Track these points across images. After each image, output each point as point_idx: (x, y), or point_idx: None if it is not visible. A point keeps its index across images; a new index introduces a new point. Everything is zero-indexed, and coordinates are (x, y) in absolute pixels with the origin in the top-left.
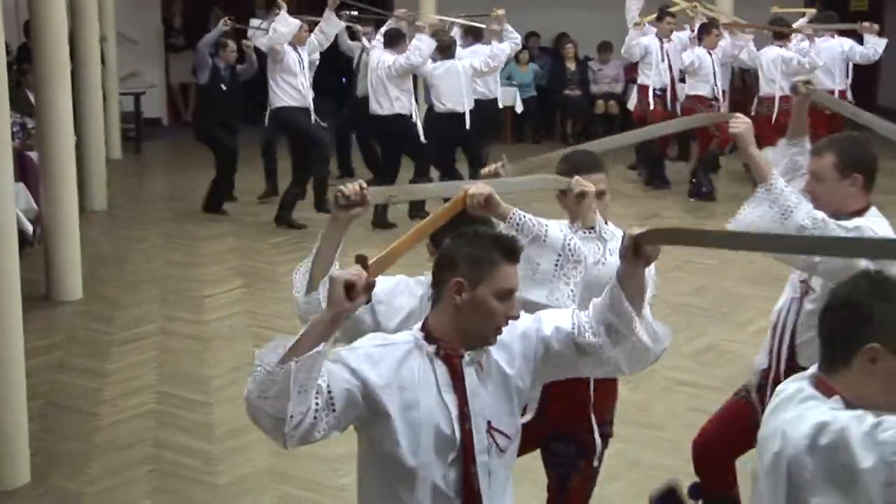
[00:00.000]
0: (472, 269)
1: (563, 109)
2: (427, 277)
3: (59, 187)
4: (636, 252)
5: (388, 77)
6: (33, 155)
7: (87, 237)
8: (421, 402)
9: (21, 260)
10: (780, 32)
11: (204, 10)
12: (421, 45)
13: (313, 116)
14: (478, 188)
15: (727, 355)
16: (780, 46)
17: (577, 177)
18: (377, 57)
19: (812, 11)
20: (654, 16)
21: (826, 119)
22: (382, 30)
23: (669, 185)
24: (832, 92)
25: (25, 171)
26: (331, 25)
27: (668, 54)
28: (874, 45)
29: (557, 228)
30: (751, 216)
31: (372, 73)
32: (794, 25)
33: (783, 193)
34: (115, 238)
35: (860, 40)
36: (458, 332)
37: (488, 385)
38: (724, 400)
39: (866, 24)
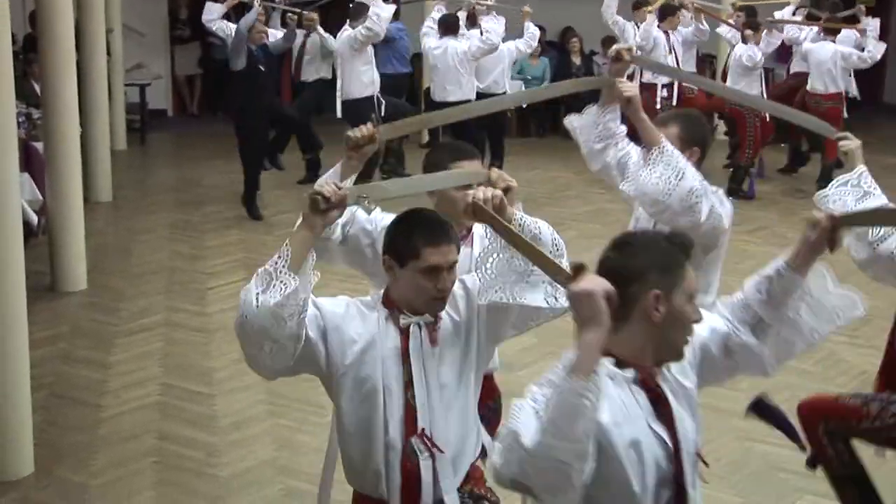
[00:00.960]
0: (665, 277)
1: (568, 103)
2: (374, 297)
3: (65, 178)
4: (833, 236)
5: (461, 63)
6: (38, 145)
7: (92, 228)
8: (639, 437)
9: (26, 251)
10: (830, 28)
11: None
12: (497, 27)
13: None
14: (487, 191)
15: None
16: (832, 42)
17: (496, 170)
18: (441, 44)
19: (796, 0)
20: (658, 3)
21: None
22: (434, 16)
23: None
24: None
25: (31, 162)
26: (383, 9)
27: (674, 48)
28: (876, 49)
29: (545, 225)
30: (650, 177)
31: (438, 61)
32: (777, 15)
33: (674, 155)
34: (119, 229)
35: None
36: (653, 352)
37: (683, 404)
38: (730, 395)
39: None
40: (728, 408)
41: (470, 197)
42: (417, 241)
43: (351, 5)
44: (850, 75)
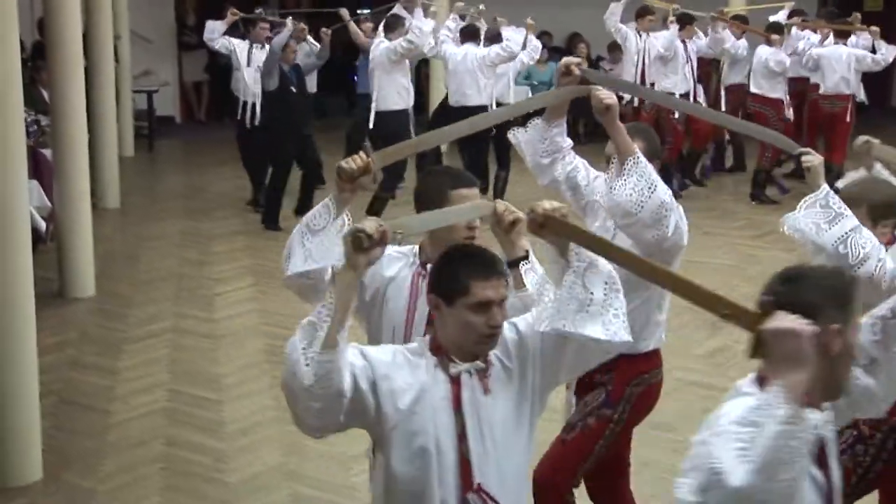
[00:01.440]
0: (842, 312)
1: (575, 109)
2: (420, 344)
3: (73, 184)
4: None
5: (479, 68)
6: (47, 152)
7: (100, 234)
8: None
9: (34, 257)
10: (843, 31)
11: (217, 9)
12: (517, 37)
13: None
14: (551, 203)
15: (739, 356)
16: (844, 44)
17: (503, 202)
18: (461, 50)
19: (791, 4)
20: (671, 11)
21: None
22: (451, 24)
23: (680, 194)
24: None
25: (39, 168)
26: (424, 23)
27: (690, 57)
28: (889, 51)
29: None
30: (623, 189)
31: (457, 65)
32: (772, 19)
33: (647, 167)
34: (127, 235)
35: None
36: (822, 389)
37: (833, 447)
38: None
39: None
40: None
41: (540, 208)
42: (465, 276)
43: (385, 17)
44: (859, 80)
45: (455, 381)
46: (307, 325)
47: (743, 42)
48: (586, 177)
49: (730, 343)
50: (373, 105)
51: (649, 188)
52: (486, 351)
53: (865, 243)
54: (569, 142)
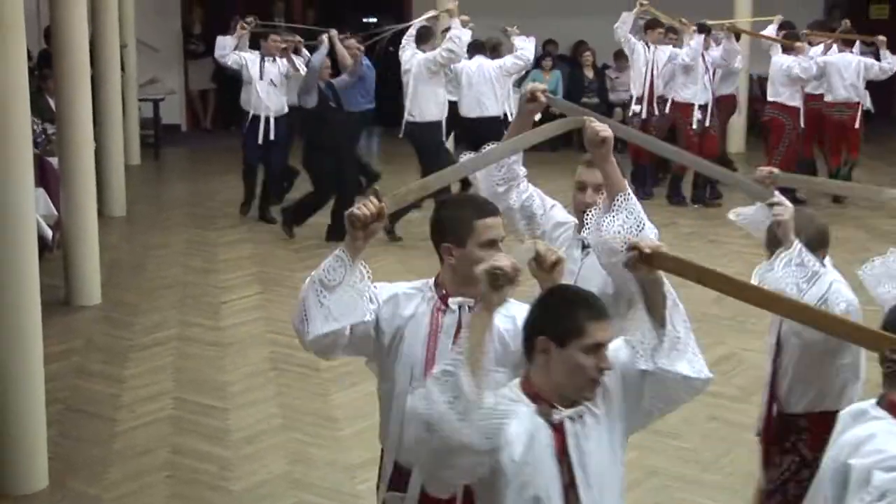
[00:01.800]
0: None
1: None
2: (512, 390)
3: (79, 193)
4: None
5: (496, 79)
6: (53, 160)
7: (106, 243)
8: None
9: (41, 265)
10: (846, 40)
11: (223, 17)
12: (528, 45)
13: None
14: (653, 239)
15: (745, 364)
16: (851, 52)
17: (543, 242)
18: (472, 63)
19: (779, 17)
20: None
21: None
22: (455, 35)
23: (686, 202)
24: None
25: (45, 177)
26: (463, 32)
27: (708, 67)
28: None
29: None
30: (612, 225)
31: (472, 77)
32: (764, 32)
33: (636, 204)
34: (133, 244)
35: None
36: None
37: None
38: (742, 409)
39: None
40: (740, 421)
41: (645, 246)
42: (582, 318)
43: (416, 29)
44: (865, 88)
45: (558, 429)
46: (443, 376)
47: (739, 55)
48: (542, 205)
49: (735, 351)
50: (406, 115)
51: (637, 226)
52: (590, 396)
53: (841, 302)
54: (524, 170)
